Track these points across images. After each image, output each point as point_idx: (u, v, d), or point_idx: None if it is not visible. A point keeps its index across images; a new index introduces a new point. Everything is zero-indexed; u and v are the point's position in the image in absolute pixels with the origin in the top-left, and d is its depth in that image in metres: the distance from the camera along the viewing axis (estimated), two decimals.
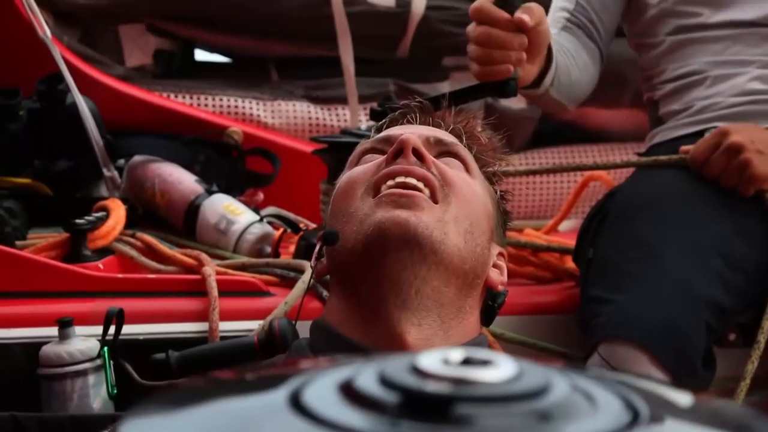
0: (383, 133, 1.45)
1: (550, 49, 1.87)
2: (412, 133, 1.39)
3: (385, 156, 1.36)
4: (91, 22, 2.98)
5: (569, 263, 2.20)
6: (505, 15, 1.67)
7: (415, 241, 1.26)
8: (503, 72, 1.71)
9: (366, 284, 1.30)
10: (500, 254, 1.43)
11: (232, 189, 2.43)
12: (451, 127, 1.49)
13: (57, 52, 2.32)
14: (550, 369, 0.54)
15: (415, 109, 1.52)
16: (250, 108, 2.89)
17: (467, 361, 0.53)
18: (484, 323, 1.45)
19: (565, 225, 2.71)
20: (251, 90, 2.95)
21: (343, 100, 2.95)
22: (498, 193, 1.48)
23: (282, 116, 2.91)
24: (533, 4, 1.71)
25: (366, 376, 0.53)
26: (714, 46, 2.10)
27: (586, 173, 2.48)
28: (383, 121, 1.54)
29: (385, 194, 1.30)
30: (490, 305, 1.44)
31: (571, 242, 2.21)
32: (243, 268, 2.07)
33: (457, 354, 0.54)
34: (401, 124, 1.51)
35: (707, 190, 1.95)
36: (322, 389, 0.53)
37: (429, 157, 1.34)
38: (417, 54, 3.11)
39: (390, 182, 1.31)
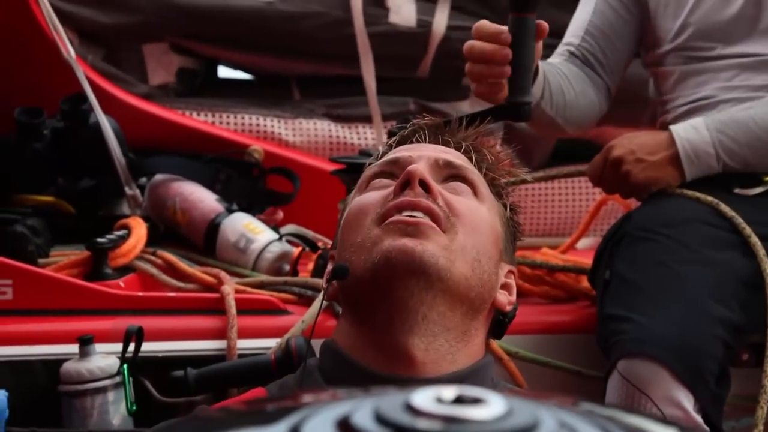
0: (391, 155, 1.46)
1: (537, 66, 1.89)
2: (421, 156, 1.41)
3: (393, 186, 1.38)
4: (116, 41, 3.01)
5: (584, 283, 2.22)
6: (496, 28, 1.69)
7: (421, 269, 1.28)
8: (496, 91, 1.73)
9: (374, 311, 1.32)
10: (509, 272, 1.45)
11: (252, 207, 2.46)
12: (461, 145, 1.51)
13: (81, 72, 2.36)
14: (539, 405, 0.56)
15: (425, 127, 1.53)
16: (272, 126, 2.91)
17: (459, 399, 0.55)
18: (495, 337, 1.47)
19: (582, 243, 2.72)
20: (273, 108, 2.97)
21: (364, 119, 2.97)
22: (508, 208, 1.49)
23: (303, 134, 2.93)
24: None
25: (362, 413, 0.55)
26: (724, 74, 2.13)
27: (601, 195, 2.49)
28: (392, 139, 1.56)
29: (392, 221, 1.32)
30: (501, 319, 1.45)
31: (587, 261, 2.23)
32: (261, 286, 2.09)
33: (449, 392, 0.56)
34: (410, 142, 1.53)
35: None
36: (320, 425, 0.55)
37: (435, 188, 1.36)
38: (437, 73, 3.12)
39: (396, 216, 1.33)
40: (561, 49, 2.21)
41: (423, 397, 0.55)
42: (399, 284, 1.29)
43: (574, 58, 2.19)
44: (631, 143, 2.05)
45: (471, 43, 1.71)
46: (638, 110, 3.05)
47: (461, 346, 1.34)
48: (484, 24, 1.70)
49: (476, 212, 1.38)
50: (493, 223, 1.40)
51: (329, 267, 1.45)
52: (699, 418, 1.77)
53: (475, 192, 1.41)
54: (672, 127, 2.07)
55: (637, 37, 2.25)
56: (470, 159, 1.49)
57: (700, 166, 2.03)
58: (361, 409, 0.55)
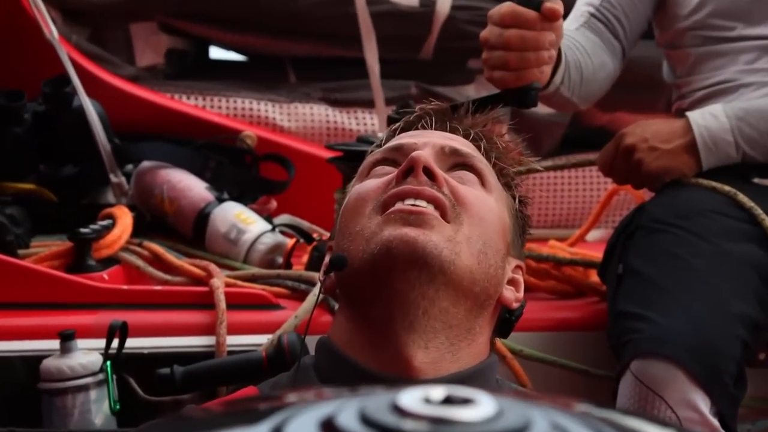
0: (395, 141, 1.45)
1: (559, 48, 1.89)
2: (426, 143, 1.40)
3: (395, 173, 1.36)
4: (101, 20, 3.02)
5: (593, 277, 2.22)
6: (535, 14, 1.68)
7: (423, 260, 1.26)
8: (536, 75, 1.73)
9: (373, 305, 1.31)
10: (517, 267, 1.43)
11: (244, 196, 2.46)
12: (469, 132, 1.50)
13: (64, 53, 2.36)
14: (531, 406, 0.57)
15: (431, 113, 1.52)
16: (266, 110, 2.91)
17: (448, 400, 0.56)
18: (501, 336, 1.46)
19: (593, 235, 2.73)
20: (267, 92, 2.98)
21: (363, 104, 2.97)
22: (516, 199, 1.48)
23: (298, 119, 2.94)
24: None
25: (347, 413, 0.56)
26: (745, 56, 2.13)
27: (612, 185, 2.50)
28: (397, 125, 1.55)
29: (393, 210, 1.30)
30: (507, 317, 1.44)
31: (596, 255, 2.23)
32: (253, 279, 2.09)
33: (438, 392, 0.56)
34: (415, 129, 1.52)
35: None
36: (303, 426, 0.56)
37: (440, 175, 1.35)
38: (441, 56, 3.13)
39: (399, 204, 1.31)
40: (581, 9, 2.19)
41: (410, 398, 0.56)
42: (399, 276, 1.27)
43: (594, 20, 2.17)
44: (645, 131, 2.06)
45: (520, 33, 1.68)
46: (654, 96, 3.06)
47: (464, 345, 1.32)
48: (519, 9, 1.68)
49: (483, 202, 1.37)
50: (500, 215, 1.39)
51: (327, 258, 1.44)
52: (716, 422, 1.77)
53: (483, 182, 1.40)
54: (689, 114, 2.07)
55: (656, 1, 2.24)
56: (478, 147, 1.48)
57: (718, 155, 2.04)
58: (347, 409, 0.56)
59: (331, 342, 1.37)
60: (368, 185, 1.39)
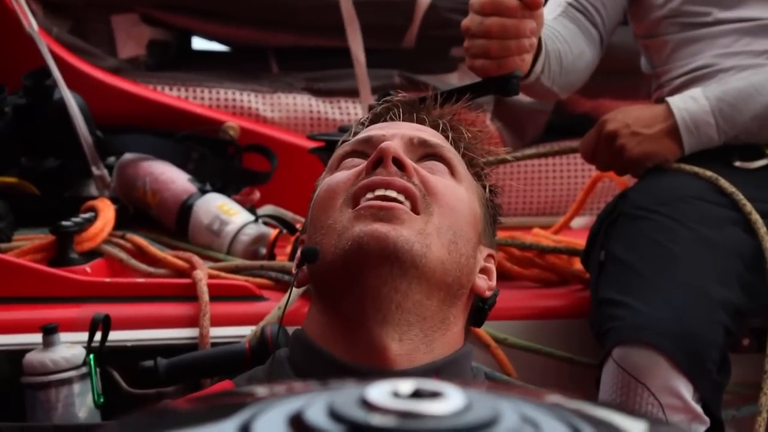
0: (363, 134, 1.45)
1: (539, 37, 1.89)
2: (395, 134, 1.41)
3: (365, 164, 1.37)
4: (83, 12, 3.01)
5: (577, 265, 2.23)
6: (516, 2, 1.68)
7: (394, 255, 1.27)
8: (517, 63, 1.73)
9: (345, 299, 1.31)
10: (489, 256, 1.44)
11: (227, 187, 2.46)
12: (437, 123, 1.50)
13: (44, 46, 2.35)
14: (501, 399, 0.56)
15: (399, 104, 1.52)
16: (248, 101, 2.91)
17: (417, 393, 0.56)
18: (475, 324, 1.46)
19: (577, 222, 2.73)
20: (249, 82, 2.97)
21: (346, 93, 2.96)
22: (487, 189, 1.49)
23: (281, 110, 2.93)
24: None
25: (316, 408, 0.55)
26: (722, 40, 2.13)
27: (596, 172, 2.50)
28: (365, 117, 1.55)
29: (363, 206, 1.31)
30: (481, 306, 1.45)
31: (579, 242, 2.24)
32: (236, 270, 2.09)
33: (406, 386, 0.56)
34: (384, 120, 1.52)
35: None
36: (271, 422, 0.56)
37: (410, 165, 1.35)
38: (424, 44, 3.13)
39: (369, 195, 1.32)
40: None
41: (379, 392, 0.56)
42: (371, 272, 1.28)
43: (571, 9, 2.17)
44: (626, 116, 2.06)
45: (500, 21, 1.68)
46: (637, 82, 3.06)
47: (438, 335, 1.33)
48: None
49: (453, 192, 1.37)
50: (471, 204, 1.40)
51: (299, 252, 1.44)
52: (698, 408, 1.77)
53: (452, 171, 1.41)
54: (668, 99, 2.07)
55: None
56: (447, 138, 1.48)
57: (700, 138, 2.04)
58: (315, 404, 0.56)
59: (305, 335, 1.37)
60: (338, 177, 1.38)
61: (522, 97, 3.05)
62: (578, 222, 2.74)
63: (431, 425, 0.53)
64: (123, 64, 2.99)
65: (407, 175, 1.34)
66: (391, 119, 1.51)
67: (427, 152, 1.41)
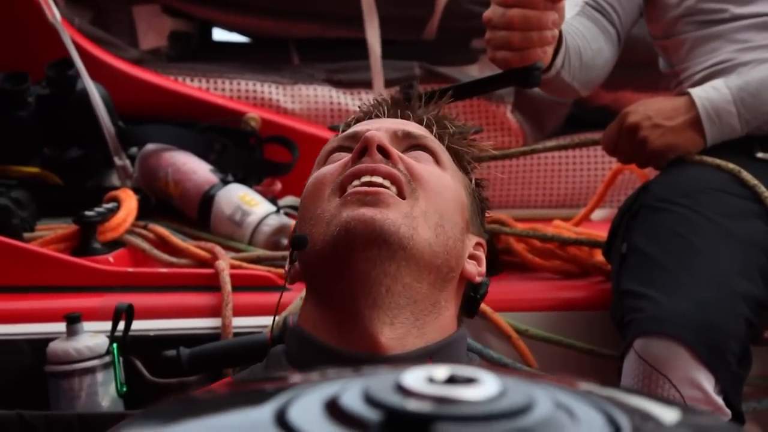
0: (350, 130, 1.47)
1: (560, 31, 1.89)
2: (379, 128, 1.42)
3: (351, 155, 1.39)
4: (104, 2, 3.02)
5: (598, 257, 2.23)
6: None
7: (382, 238, 1.29)
8: (539, 55, 1.73)
9: (336, 286, 1.33)
10: (478, 244, 1.46)
11: (249, 178, 2.47)
12: (422, 118, 1.52)
13: (67, 36, 2.36)
14: (535, 385, 0.57)
15: (384, 102, 1.54)
16: (269, 92, 2.91)
17: (451, 379, 0.56)
18: (467, 314, 1.48)
19: (597, 214, 2.73)
20: (270, 73, 2.98)
21: (366, 84, 2.97)
22: (473, 181, 1.51)
23: (302, 101, 2.94)
24: None
25: (351, 393, 0.56)
26: (740, 35, 2.13)
27: (617, 164, 2.50)
28: (351, 117, 1.57)
29: (350, 193, 1.33)
30: (472, 296, 1.46)
31: (601, 234, 2.24)
32: (258, 261, 2.10)
33: (441, 372, 0.57)
34: (371, 118, 1.54)
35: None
36: (307, 406, 0.56)
37: (395, 152, 1.37)
38: (444, 36, 3.13)
39: (356, 182, 1.34)
40: None
41: (414, 377, 0.56)
42: (360, 255, 1.30)
43: (589, 8, 2.17)
44: (648, 108, 2.06)
45: (523, 13, 1.69)
46: (656, 75, 3.05)
47: (430, 319, 1.34)
48: None
49: (438, 178, 1.40)
50: (456, 191, 1.42)
51: (287, 242, 1.46)
52: (719, 400, 1.77)
53: (437, 160, 1.43)
54: (690, 90, 2.07)
55: None
56: (431, 131, 1.50)
57: (722, 128, 2.04)
58: (350, 389, 0.56)
59: (300, 328, 1.39)
60: (325, 170, 1.41)
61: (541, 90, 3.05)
62: (598, 214, 2.75)
63: (466, 410, 0.54)
64: (144, 55, 3.00)
65: (392, 163, 1.36)
66: (377, 117, 1.53)
67: (411, 143, 1.43)
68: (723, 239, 1.90)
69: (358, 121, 1.54)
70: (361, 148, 1.36)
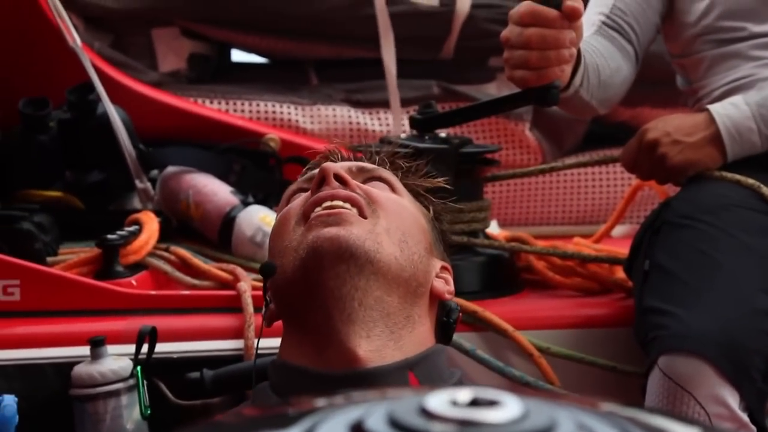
0: (308, 174, 1.54)
1: (578, 50, 1.90)
2: (335, 166, 1.47)
3: (311, 187, 1.45)
4: (123, 26, 3.04)
5: (619, 274, 2.23)
6: (556, 13, 1.70)
7: (348, 253, 1.34)
8: (557, 74, 1.74)
9: (310, 308, 1.37)
10: (443, 268, 1.50)
11: (269, 199, 2.48)
12: (374, 158, 1.57)
13: (87, 60, 2.38)
14: (557, 407, 0.58)
15: (337, 152, 1.60)
16: (288, 113, 2.93)
17: (474, 402, 0.57)
18: (443, 341, 1.50)
19: (617, 231, 2.73)
20: (289, 94, 2.99)
21: (385, 104, 2.97)
22: (431, 211, 1.55)
23: (321, 121, 2.95)
24: None
25: (376, 417, 0.57)
26: (759, 52, 2.13)
27: (636, 180, 2.50)
28: (307, 166, 1.63)
29: (313, 218, 1.38)
30: (446, 321, 1.50)
31: (621, 251, 2.24)
32: None
33: (465, 394, 0.58)
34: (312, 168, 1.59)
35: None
36: (332, 430, 0.57)
37: (351, 180, 1.43)
38: (462, 54, 3.13)
39: (318, 209, 1.39)
40: (592, 17, 2.19)
41: (438, 401, 0.57)
42: (330, 273, 1.34)
43: (605, 28, 2.18)
44: (667, 125, 2.06)
45: (540, 32, 1.70)
46: (675, 91, 3.06)
47: (405, 333, 1.38)
48: (539, 8, 1.70)
49: (397, 201, 1.46)
50: (415, 214, 1.48)
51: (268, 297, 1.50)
52: (745, 417, 1.77)
53: (393, 188, 1.49)
54: (709, 106, 2.08)
55: (664, 8, 2.25)
56: (385, 167, 1.56)
57: (743, 144, 2.04)
58: (375, 413, 0.57)
59: (281, 359, 1.44)
60: (288, 207, 1.47)
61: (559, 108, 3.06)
62: (618, 231, 2.75)
63: None
64: (164, 77, 3.01)
65: (350, 188, 1.41)
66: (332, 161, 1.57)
67: (367, 176, 1.49)
68: (745, 255, 1.90)
69: (312, 169, 1.59)
70: (320, 178, 1.42)
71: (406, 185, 1.53)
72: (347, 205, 1.38)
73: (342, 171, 1.43)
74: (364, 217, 1.38)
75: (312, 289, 1.35)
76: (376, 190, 1.45)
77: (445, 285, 1.48)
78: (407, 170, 1.58)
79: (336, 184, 1.41)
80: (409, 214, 1.45)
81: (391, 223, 1.40)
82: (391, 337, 1.36)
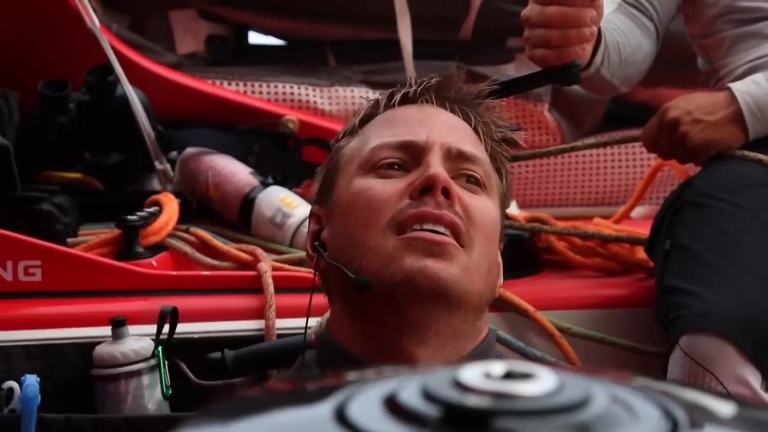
0: (403, 139, 1.41)
1: (599, 28, 1.89)
2: (434, 142, 1.39)
3: (408, 183, 1.36)
4: (141, 8, 3.04)
5: (640, 254, 2.22)
6: None
7: (444, 294, 1.31)
8: (578, 52, 1.73)
9: (383, 321, 1.35)
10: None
11: (289, 180, 2.48)
12: (469, 115, 1.48)
13: (106, 42, 2.38)
14: (591, 380, 0.57)
15: (432, 90, 1.50)
16: (306, 95, 2.92)
17: (508, 375, 0.57)
18: None
19: (637, 211, 2.72)
20: (307, 76, 2.98)
21: (403, 85, 2.96)
22: (504, 176, 1.50)
23: (339, 103, 2.94)
24: None
25: (409, 389, 0.57)
26: None
27: (657, 159, 2.49)
28: (395, 98, 1.52)
29: (413, 237, 1.32)
30: None
31: (642, 231, 2.23)
32: (300, 263, 2.11)
33: (498, 367, 0.57)
34: (414, 103, 1.49)
35: None
36: (366, 403, 0.57)
37: (455, 193, 1.35)
38: (480, 35, 3.12)
39: (417, 226, 1.33)
40: None
41: (471, 374, 0.57)
42: (420, 306, 1.32)
43: (626, 6, 2.17)
44: (688, 104, 2.06)
45: (561, 10, 1.69)
46: (695, 71, 3.05)
47: (470, 344, 1.38)
48: None
49: (488, 215, 1.40)
50: (496, 217, 1.43)
51: (312, 226, 1.47)
52: (767, 397, 1.77)
53: (484, 184, 1.42)
54: (730, 84, 2.07)
55: None
56: (479, 136, 1.48)
57: (764, 123, 2.03)
58: (408, 386, 0.57)
59: (333, 338, 1.41)
60: (379, 191, 1.38)
61: (580, 87, 3.04)
62: (638, 211, 2.74)
63: (525, 405, 0.55)
64: (182, 59, 3.01)
65: (451, 203, 1.35)
66: (422, 102, 1.49)
67: (462, 167, 1.41)
68: (767, 234, 1.90)
69: (390, 100, 1.51)
70: (425, 185, 1.34)
71: (490, 152, 1.47)
72: (448, 232, 1.33)
73: (450, 184, 1.35)
74: (462, 245, 1.33)
75: (394, 310, 1.33)
76: (472, 200, 1.37)
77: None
78: (492, 132, 1.50)
79: (441, 198, 1.33)
80: (495, 229, 1.41)
81: (483, 253, 1.36)
82: (456, 352, 1.36)
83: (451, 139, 1.42)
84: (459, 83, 1.53)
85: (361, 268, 1.34)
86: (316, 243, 1.45)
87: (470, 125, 1.48)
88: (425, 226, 1.33)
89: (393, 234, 1.34)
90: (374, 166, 1.40)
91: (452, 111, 1.49)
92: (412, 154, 1.39)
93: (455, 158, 1.41)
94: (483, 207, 1.39)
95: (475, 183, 1.41)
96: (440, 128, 1.44)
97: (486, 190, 1.42)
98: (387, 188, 1.37)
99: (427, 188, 1.35)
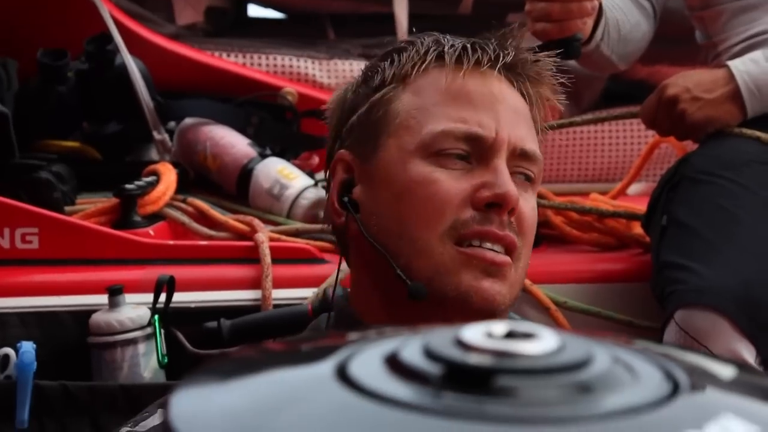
0: (473, 130, 1.31)
1: (600, 4, 1.89)
2: (503, 139, 1.31)
3: (475, 189, 1.29)
4: None
5: (636, 229, 2.22)
6: None
7: (493, 312, 1.28)
8: (579, 26, 1.73)
9: (420, 318, 1.28)
10: None
11: (287, 152, 2.47)
12: (529, 92, 1.39)
13: (105, 11, 2.37)
14: (592, 341, 0.57)
15: (487, 49, 1.40)
16: (305, 67, 2.91)
17: (510, 334, 0.57)
18: None
19: (634, 188, 2.72)
20: (306, 48, 2.98)
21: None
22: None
23: (338, 76, 2.93)
24: None
25: (411, 348, 0.56)
26: None
27: (655, 136, 2.49)
28: (452, 57, 1.39)
29: (474, 254, 1.27)
30: None
31: (638, 207, 2.24)
32: (297, 234, 2.11)
33: (500, 327, 0.57)
34: (469, 66, 1.37)
35: None
36: (367, 361, 0.57)
37: (518, 209, 1.30)
38: (480, 10, 3.12)
39: (476, 242, 1.28)
40: None
41: (473, 333, 0.57)
42: (466, 319, 1.28)
43: None
44: (687, 81, 2.05)
45: None
46: (693, 48, 3.04)
47: None
48: None
49: (533, 216, 1.34)
50: (535, 208, 1.36)
51: (340, 173, 1.35)
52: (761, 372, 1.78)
53: (534, 181, 1.36)
54: (729, 62, 2.07)
55: None
56: (530, 110, 1.39)
57: (762, 101, 2.03)
58: (410, 345, 0.57)
59: (353, 309, 1.36)
60: (441, 188, 1.30)
61: (578, 64, 3.04)
62: (635, 188, 2.74)
63: (526, 364, 0.54)
64: (181, 30, 3.01)
65: (511, 219, 1.30)
66: (477, 64, 1.38)
67: (521, 166, 1.33)
68: (764, 211, 1.90)
69: (458, 58, 1.39)
70: (495, 199, 1.28)
71: (541, 117, 1.40)
72: (504, 251, 1.29)
73: (518, 204, 1.29)
74: (512, 260, 1.30)
75: (437, 316, 1.28)
76: (525, 207, 1.31)
77: None
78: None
79: (506, 217, 1.28)
80: (535, 221, 1.35)
81: (525, 258, 1.32)
82: None
83: (516, 133, 1.33)
84: (522, 51, 1.43)
85: (410, 267, 1.28)
86: (345, 199, 1.34)
87: (530, 108, 1.39)
88: (485, 244, 1.28)
89: (451, 242, 1.28)
90: (436, 154, 1.31)
91: (516, 87, 1.39)
92: (479, 149, 1.31)
93: (517, 157, 1.33)
94: (531, 208, 1.34)
95: (528, 180, 1.35)
96: (507, 118, 1.34)
97: (534, 186, 1.37)
98: (451, 187, 1.30)
99: (494, 204, 1.29)
